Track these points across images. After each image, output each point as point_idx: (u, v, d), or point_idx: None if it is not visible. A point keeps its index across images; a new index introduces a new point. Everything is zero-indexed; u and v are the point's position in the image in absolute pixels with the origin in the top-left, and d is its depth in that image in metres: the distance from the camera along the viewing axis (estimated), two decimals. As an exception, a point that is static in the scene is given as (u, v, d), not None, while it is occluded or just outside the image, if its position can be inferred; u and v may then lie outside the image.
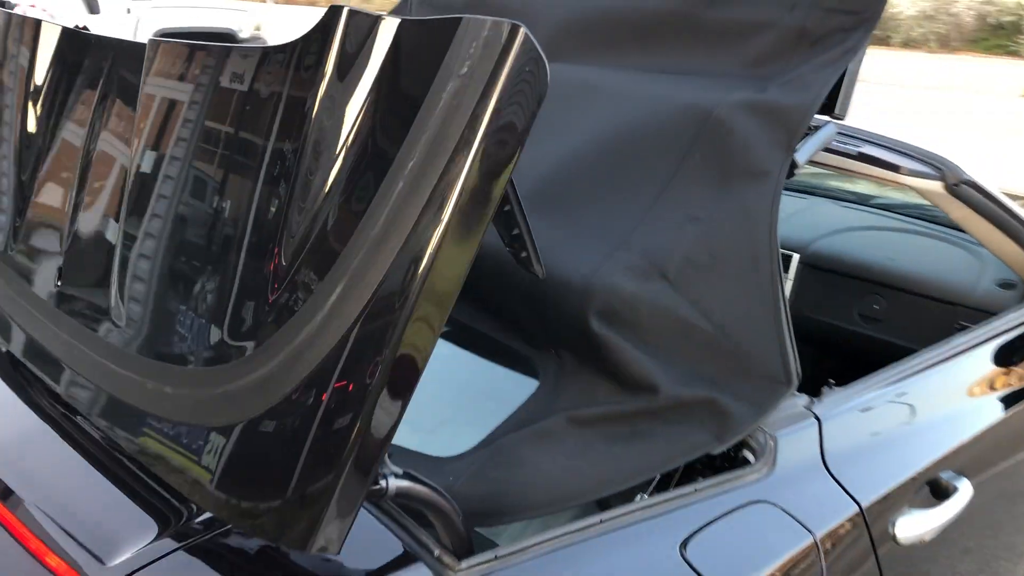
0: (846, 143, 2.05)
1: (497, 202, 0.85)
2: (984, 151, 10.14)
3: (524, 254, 1.18)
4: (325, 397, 0.90)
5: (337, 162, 0.91)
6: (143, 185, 1.12)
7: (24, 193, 1.36)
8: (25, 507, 1.16)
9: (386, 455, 0.97)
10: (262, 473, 0.95)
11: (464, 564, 1.06)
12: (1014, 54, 21.15)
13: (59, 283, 1.29)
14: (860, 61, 1.33)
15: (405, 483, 1.01)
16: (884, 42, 24.13)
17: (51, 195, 1.30)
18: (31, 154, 1.34)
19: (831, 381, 1.61)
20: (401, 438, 1.35)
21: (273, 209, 0.96)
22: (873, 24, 1.32)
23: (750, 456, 1.36)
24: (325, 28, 0.92)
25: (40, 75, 1.33)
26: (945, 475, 1.59)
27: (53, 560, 1.10)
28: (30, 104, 1.34)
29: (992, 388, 1.89)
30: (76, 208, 1.25)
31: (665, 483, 1.37)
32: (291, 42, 0.95)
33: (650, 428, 1.27)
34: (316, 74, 0.94)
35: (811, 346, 2.78)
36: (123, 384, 1.12)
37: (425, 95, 0.86)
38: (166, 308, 1.08)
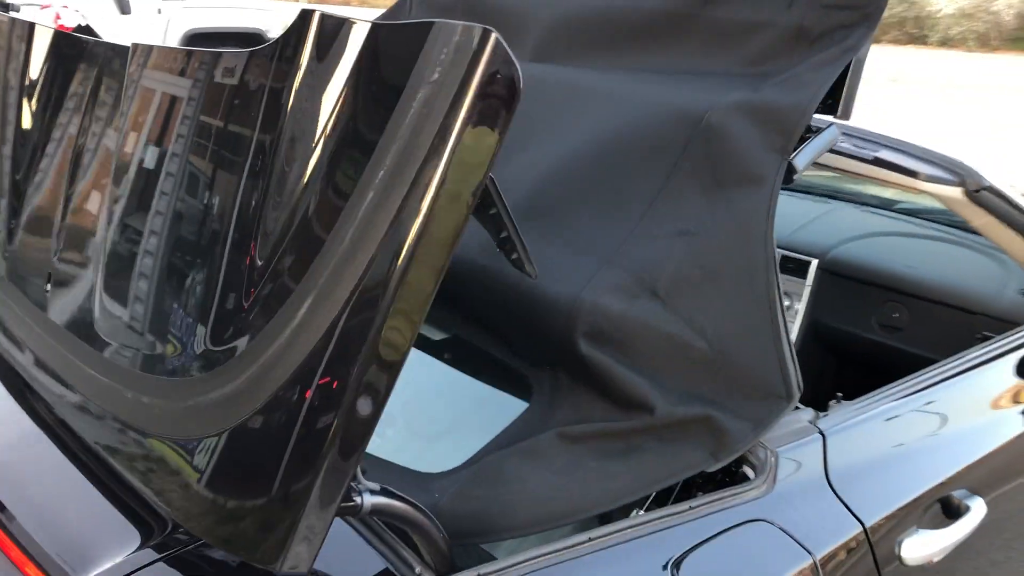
0: (862, 147, 1.99)
1: (468, 210, 0.82)
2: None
3: (515, 255, 1.15)
4: (294, 413, 0.88)
5: (309, 169, 0.89)
6: (123, 192, 1.11)
7: (15, 197, 1.35)
8: (8, 516, 1.15)
9: (359, 471, 0.95)
10: (231, 489, 0.93)
11: None
12: (1055, 53, 20.74)
13: (48, 288, 1.29)
14: (864, 59, 1.27)
15: (381, 499, 0.99)
16: (921, 41, 23.79)
17: (39, 199, 1.29)
18: (19, 157, 1.33)
19: (839, 395, 1.56)
20: (392, 453, 1.33)
21: (247, 218, 0.94)
22: (876, 20, 1.26)
23: (750, 472, 1.32)
24: (297, 32, 0.90)
25: (27, 79, 1.32)
26: (958, 493, 1.53)
27: (32, 571, 1.09)
28: (20, 107, 1.33)
29: (1015, 401, 1.82)
30: (63, 213, 1.24)
31: (664, 500, 1.33)
32: (265, 46, 0.93)
33: (643, 445, 1.23)
34: (288, 79, 0.92)
35: (830, 355, 2.72)
36: (101, 392, 1.11)
37: (397, 101, 0.83)
38: (140, 318, 1.07)
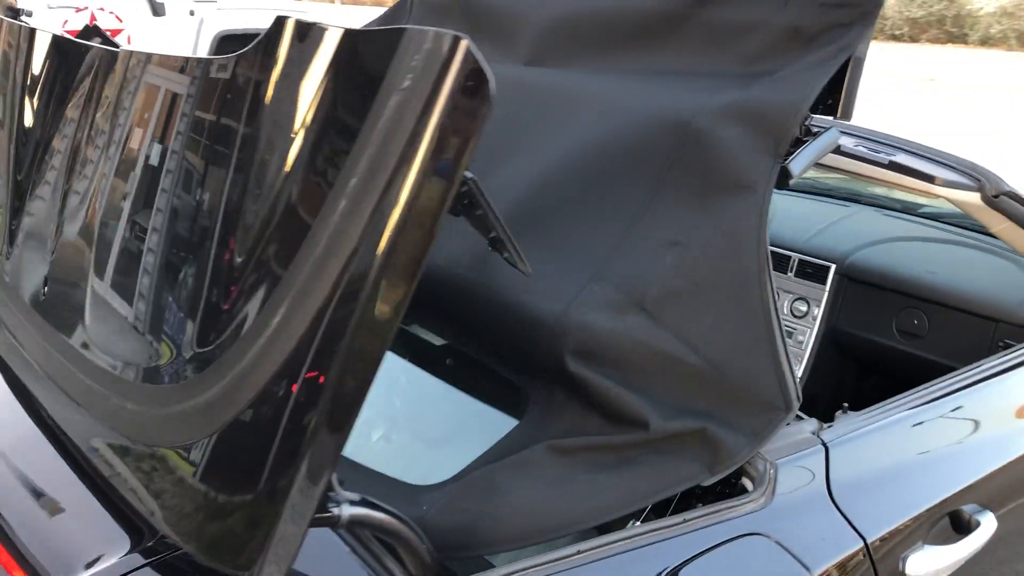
0: (878, 151, 1.95)
1: (440, 215, 0.81)
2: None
3: (506, 254, 1.14)
4: (268, 423, 0.87)
5: (284, 176, 0.88)
6: (105, 199, 1.11)
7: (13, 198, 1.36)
8: (-1, 518, 1.16)
9: (335, 482, 0.94)
10: (205, 498, 0.93)
11: None
12: (1100, 52, 20.27)
13: (45, 292, 1.29)
14: (863, 58, 1.23)
15: (361, 510, 0.97)
16: (961, 40, 23.39)
17: (24, 204, 1.30)
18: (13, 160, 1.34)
19: (845, 405, 1.53)
20: (386, 464, 1.32)
21: (221, 226, 0.94)
22: (873, 18, 1.22)
23: (748, 485, 1.29)
24: (273, 39, 0.89)
25: (11, 83, 1.33)
26: (968, 508, 1.49)
27: (19, 575, 1.10)
28: (15, 111, 1.34)
29: None
30: (57, 218, 1.25)
31: (662, 512, 1.31)
32: (243, 52, 0.92)
33: (636, 458, 1.21)
34: (264, 86, 0.91)
35: (850, 361, 2.67)
36: (85, 395, 1.11)
37: (370, 107, 0.83)
38: (116, 323, 1.07)
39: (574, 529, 1.18)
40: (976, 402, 1.66)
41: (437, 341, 1.58)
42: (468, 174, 1.00)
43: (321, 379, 0.84)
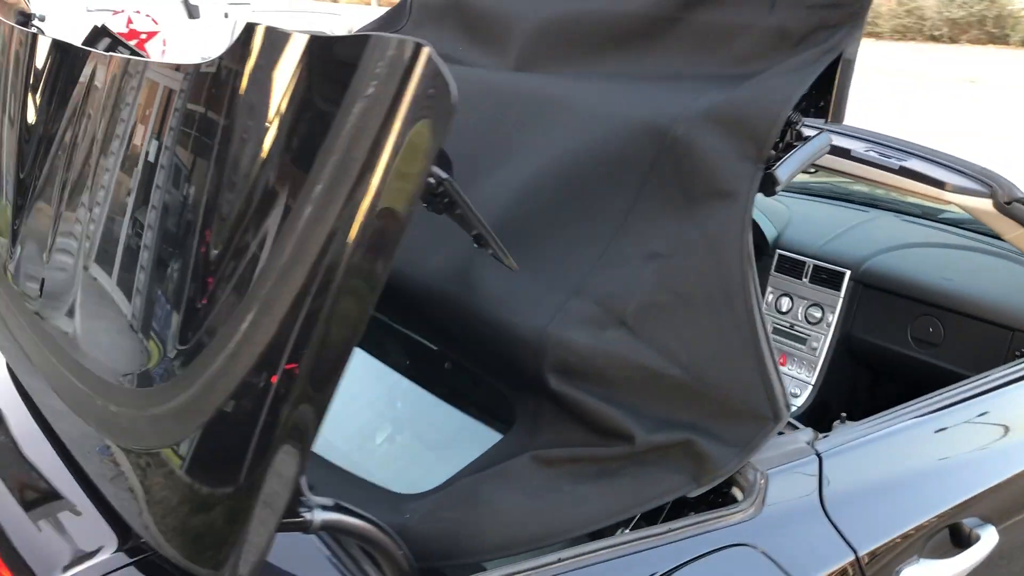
0: (888, 156, 1.92)
1: (405, 217, 0.81)
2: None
3: (491, 251, 1.14)
4: (226, 431, 0.88)
5: (251, 183, 0.89)
6: (77, 201, 1.13)
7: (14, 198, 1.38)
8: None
9: (304, 486, 0.94)
10: (174, 502, 0.94)
11: None
12: None
13: (40, 293, 1.32)
14: (854, 60, 1.20)
15: (333, 515, 0.98)
16: (1002, 41, 22.95)
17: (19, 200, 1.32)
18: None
19: (843, 415, 1.50)
20: (374, 472, 1.33)
21: (188, 229, 0.95)
22: (860, 18, 1.19)
23: (738, 494, 1.27)
24: (243, 45, 0.90)
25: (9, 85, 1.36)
26: (969, 521, 1.46)
27: (3, 572, 1.11)
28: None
29: None
30: (53, 219, 1.27)
31: (654, 522, 1.29)
32: (215, 58, 0.94)
33: (620, 470, 1.20)
34: (234, 91, 0.92)
35: (865, 369, 2.63)
36: (66, 392, 1.13)
37: (337, 112, 0.83)
38: (88, 325, 1.09)
39: (557, 539, 1.17)
40: (984, 413, 1.63)
41: (428, 353, 1.58)
42: (443, 175, 1.01)
43: (285, 382, 0.84)
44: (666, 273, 1.20)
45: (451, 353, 1.49)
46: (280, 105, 0.87)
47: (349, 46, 0.84)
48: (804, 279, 2.64)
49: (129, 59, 1.05)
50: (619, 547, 1.16)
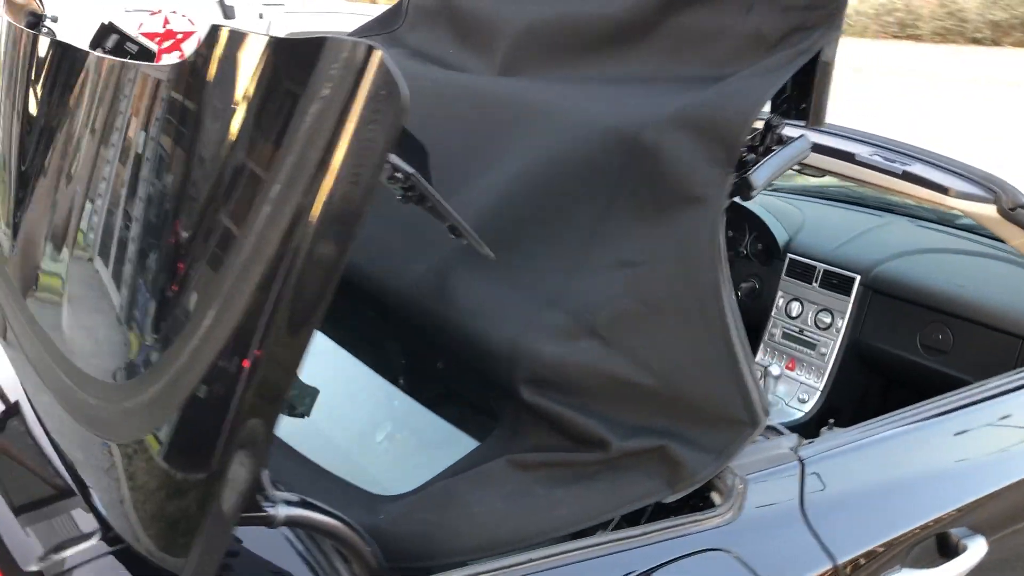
0: (892, 160, 1.90)
1: (359, 214, 0.82)
2: None
3: (466, 241, 1.15)
4: (185, 423, 0.89)
5: (212, 183, 0.91)
6: (49, 200, 1.16)
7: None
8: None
9: (266, 481, 0.96)
10: (137, 494, 0.96)
11: None
12: None
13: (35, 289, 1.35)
14: (832, 62, 1.18)
15: (297, 511, 0.99)
16: (1036, 43, 22.47)
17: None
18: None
19: (830, 421, 1.49)
20: (356, 475, 1.33)
21: (152, 226, 0.97)
22: (837, 19, 1.17)
23: (717, 499, 1.27)
24: (208, 46, 0.92)
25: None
26: (957, 531, 1.44)
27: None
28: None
29: None
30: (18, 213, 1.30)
31: (634, 524, 1.29)
32: (183, 60, 0.96)
33: (595, 474, 1.20)
34: (200, 90, 0.94)
35: (874, 375, 2.60)
36: (48, 381, 1.16)
37: (293, 112, 0.85)
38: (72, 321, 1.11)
39: (530, 542, 1.17)
40: (974, 422, 1.60)
41: (416, 359, 1.59)
42: (410, 169, 1.02)
43: (239, 373, 0.85)
44: (637, 281, 1.20)
45: (433, 360, 1.50)
46: (241, 105, 0.89)
47: (307, 48, 0.85)
48: (814, 283, 2.62)
49: (104, 58, 1.08)
50: (592, 548, 1.17)
